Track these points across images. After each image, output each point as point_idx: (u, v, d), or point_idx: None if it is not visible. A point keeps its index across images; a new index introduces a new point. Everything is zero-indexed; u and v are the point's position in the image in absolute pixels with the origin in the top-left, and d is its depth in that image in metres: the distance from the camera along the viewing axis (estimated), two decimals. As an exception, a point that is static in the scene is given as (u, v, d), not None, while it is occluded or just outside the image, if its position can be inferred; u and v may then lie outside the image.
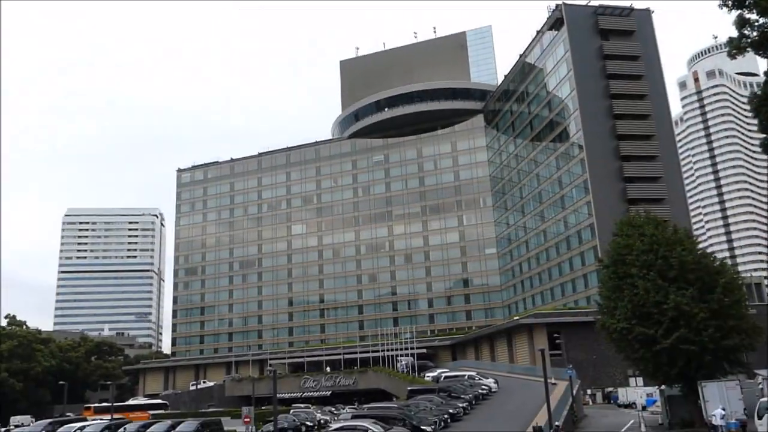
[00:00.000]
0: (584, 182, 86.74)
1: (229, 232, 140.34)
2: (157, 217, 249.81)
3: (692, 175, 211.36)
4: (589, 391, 66.83)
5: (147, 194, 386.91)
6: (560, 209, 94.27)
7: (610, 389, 67.71)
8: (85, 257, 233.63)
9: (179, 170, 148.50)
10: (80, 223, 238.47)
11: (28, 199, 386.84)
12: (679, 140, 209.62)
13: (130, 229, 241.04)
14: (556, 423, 26.26)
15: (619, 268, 38.65)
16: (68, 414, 73.76)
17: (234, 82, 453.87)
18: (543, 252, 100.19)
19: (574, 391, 47.09)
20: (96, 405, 76.38)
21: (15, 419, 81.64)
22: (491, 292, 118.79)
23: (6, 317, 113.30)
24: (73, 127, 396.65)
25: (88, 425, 53.02)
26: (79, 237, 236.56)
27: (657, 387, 44.55)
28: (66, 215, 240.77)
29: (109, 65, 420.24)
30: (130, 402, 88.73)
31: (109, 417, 58.06)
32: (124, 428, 48.49)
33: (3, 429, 67.58)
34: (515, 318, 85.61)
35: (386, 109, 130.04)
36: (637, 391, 57.78)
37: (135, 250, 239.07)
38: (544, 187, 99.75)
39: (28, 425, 65.07)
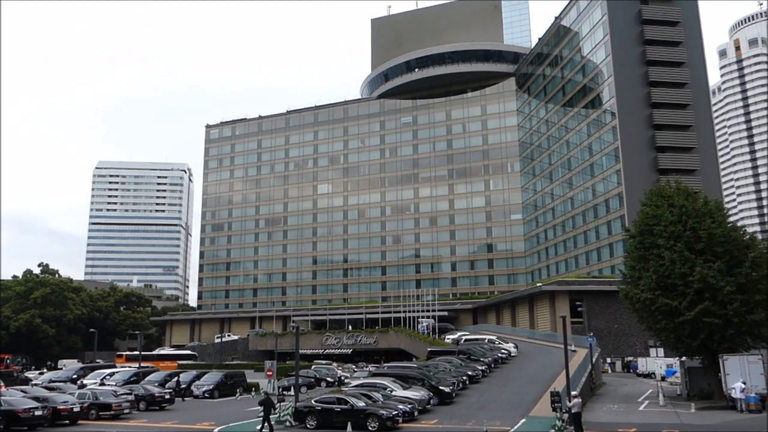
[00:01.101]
0: (615, 150, 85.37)
1: (255, 189, 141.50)
2: (186, 172, 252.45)
3: (727, 146, 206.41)
4: (608, 360, 67.03)
5: (176, 150, 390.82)
6: (589, 177, 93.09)
7: (630, 359, 67.81)
8: (115, 210, 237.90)
9: (208, 126, 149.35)
10: (110, 176, 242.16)
11: (59, 153, 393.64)
12: (716, 110, 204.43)
13: (158, 184, 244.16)
14: (569, 405, 26.43)
15: (646, 239, 38.27)
16: (98, 360, 76.33)
17: (265, 40, 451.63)
18: (569, 219, 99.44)
19: (594, 359, 47.28)
20: (128, 353, 78.74)
21: (63, 362, 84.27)
22: (515, 257, 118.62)
23: (39, 265, 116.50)
24: (105, 83, 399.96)
25: (117, 371, 54.95)
26: (110, 190, 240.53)
27: (677, 358, 44.48)
28: (97, 168, 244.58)
29: (140, 21, 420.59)
30: (161, 352, 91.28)
31: (137, 365, 59.93)
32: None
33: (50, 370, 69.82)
34: (538, 284, 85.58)
35: (416, 70, 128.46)
36: (657, 362, 57.78)
37: (163, 204, 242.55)
38: (573, 153, 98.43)
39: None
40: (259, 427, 27.42)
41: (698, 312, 34.55)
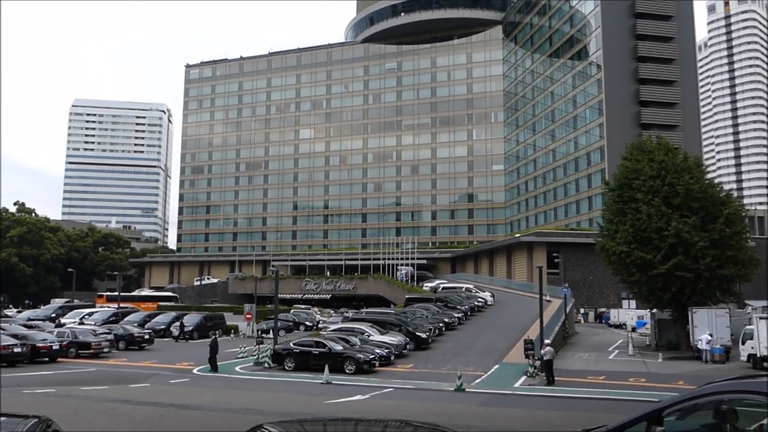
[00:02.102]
0: (599, 103, 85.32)
1: (236, 132, 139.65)
2: (165, 113, 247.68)
3: (710, 103, 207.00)
4: (582, 310, 68.66)
5: (154, 90, 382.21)
6: (572, 129, 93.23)
7: (603, 310, 69.51)
8: (93, 150, 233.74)
9: (188, 66, 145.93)
10: (87, 114, 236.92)
11: (34, 91, 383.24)
12: (701, 66, 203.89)
13: (137, 124, 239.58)
14: (542, 353, 27.18)
15: (625, 192, 38.72)
16: (76, 300, 76.38)
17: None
18: (550, 172, 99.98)
19: (568, 309, 48.41)
20: (108, 294, 78.75)
21: (56, 301, 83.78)
22: (495, 208, 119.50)
23: (15, 204, 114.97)
24: (82, 20, 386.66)
25: (96, 311, 55.12)
26: (87, 129, 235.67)
27: (648, 310, 45.71)
28: (73, 106, 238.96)
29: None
30: (142, 293, 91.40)
31: (117, 305, 60.09)
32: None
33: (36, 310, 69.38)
34: (516, 235, 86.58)
35: (402, 14, 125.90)
36: (628, 313, 59.32)
37: (142, 145, 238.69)
38: (557, 105, 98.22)
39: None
40: (209, 367, 28.89)
41: (671, 266, 35.32)
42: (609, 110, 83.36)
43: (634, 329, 54.00)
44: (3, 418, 4.69)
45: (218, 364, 29.24)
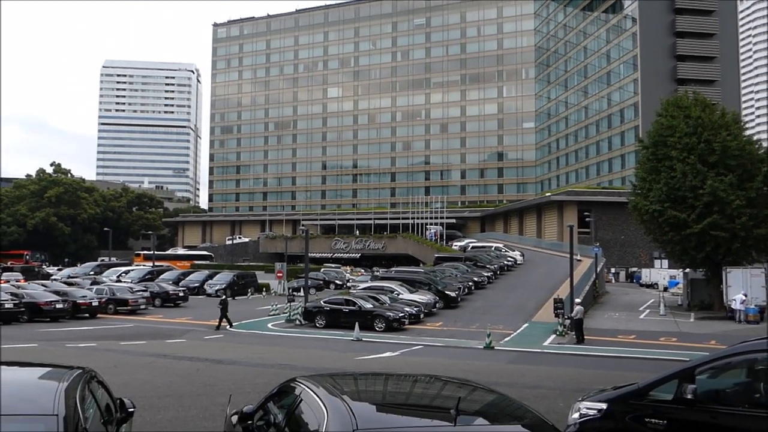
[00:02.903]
0: (633, 58, 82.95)
1: (264, 91, 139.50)
2: (194, 72, 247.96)
3: (750, 57, 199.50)
4: (612, 270, 68.17)
5: (182, 50, 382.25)
6: (605, 85, 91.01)
7: (634, 269, 68.92)
8: (124, 110, 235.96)
9: (215, 25, 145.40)
10: (118, 75, 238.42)
11: (65, 52, 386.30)
12: (741, 18, 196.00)
13: (167, 84, 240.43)
14: (569, 316, 27.16)
15: (659, 150, 37.87)
16: (113, 259, 78.34)
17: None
18: (582, 129, 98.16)
19: (598, 269, 48.08)
20: (146, 252, 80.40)
21: (102, 259, 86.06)
22: (525, 167, 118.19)
23: (51, 165, 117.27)
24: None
25: (132, 269, 56.53)
26: (117, 90, 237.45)
27: (681, 270, 45.16)
28: (104, 67, 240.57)
29: None
30: (178, 252, 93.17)
31: (152, 264, 61.50)
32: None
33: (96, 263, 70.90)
34: (547, 194, 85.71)
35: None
36: (660, 273, 58.73)
37: (172, 105, 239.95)
38: (590, 61, 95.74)
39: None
40: (216, 325, 28.86)
41: (706, 225, 34.69)
42: (644, 65, 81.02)
43: (665, 289, 53.54)
44: (49, 369, 4.89)
45: (247, 321, 29.87)
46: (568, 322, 28.11)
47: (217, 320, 29.13)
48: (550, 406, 11.35)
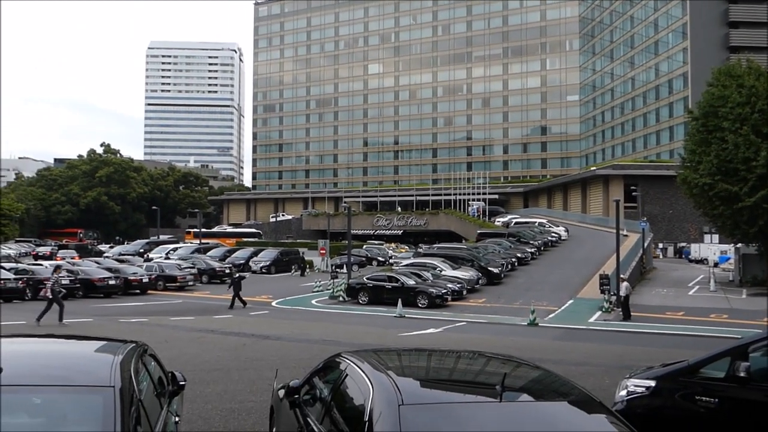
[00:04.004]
0: (683, 26, 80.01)
1: (305, 69, 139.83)
2: (236, 52, 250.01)
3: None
4: (660, 245, 66.66)
5: (225, 29, 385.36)
6: (652, 55, 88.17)
7: (683, 244, 67.23)
8: (169, 90, 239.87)
9: (256, 3, 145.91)
10: (162, 56, 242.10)
11: (112, 34, 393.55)
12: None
13: (210, 64, 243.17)
14: (615, 292, 26.72)
15: (710, 121, 36.62)
16: (164, 236, 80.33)
17: None
18: (629, 101, 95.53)
19: (645, 244, 47.09)
20: (196, 230, 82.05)
21: (161, 237, 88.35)
22: (569, 140, 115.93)
23: (101, 145, 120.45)
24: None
25: (180, 247, 57.92)
26: (163, 70, 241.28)
27: (732, 245, 43.87)
28: (149, 48, 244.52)
29: None
30: (227, 230, 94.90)
31: (199, 241, 62.86)
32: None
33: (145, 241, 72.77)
34: (592, 168, 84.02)
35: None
36: (710, 248, 57.14)
37: (215, 85, 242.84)
38: (637, 30, 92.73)
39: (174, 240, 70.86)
40: (229, 305, 27.61)
41: (759, 198, 33.52)
42: (694, 33, 78.06)
43: (716, 264, 52.10)
44: (105, 342, 5.07)
45: (291, 297, 30.07)
46: (614, 298, 27.70)
47: (231, 299, 27.90)
48: (596, 383, 11.25)
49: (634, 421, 4.34)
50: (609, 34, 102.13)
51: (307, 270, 47.97)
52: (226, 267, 42.75)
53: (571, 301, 30.47)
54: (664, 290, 36.54)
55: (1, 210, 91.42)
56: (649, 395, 6.89)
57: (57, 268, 23.76)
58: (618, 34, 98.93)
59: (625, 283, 26.56)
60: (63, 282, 30.03)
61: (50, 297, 20.37)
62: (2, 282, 28.20)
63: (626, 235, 49.79)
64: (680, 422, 6.69)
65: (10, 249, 63.27)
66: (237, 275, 30.33)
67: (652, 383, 6.91)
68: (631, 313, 25.77)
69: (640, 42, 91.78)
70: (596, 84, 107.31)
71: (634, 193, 66.15)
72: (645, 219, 55.20)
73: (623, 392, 7.14)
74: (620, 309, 26.20)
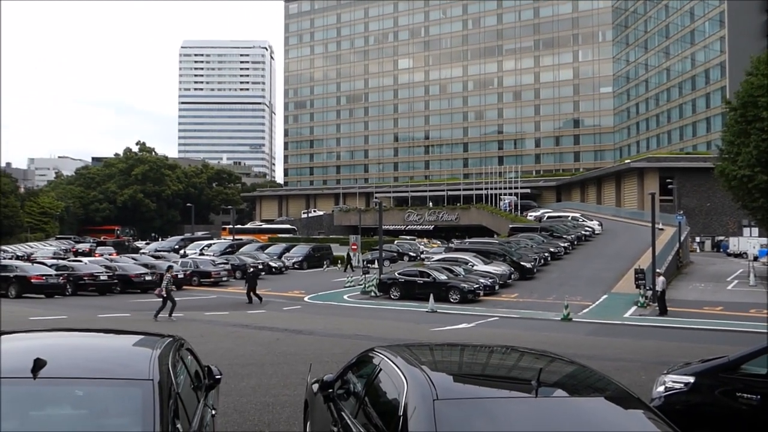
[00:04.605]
0: (720, 14, 78.06)
1: (336, 65, 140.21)
2: (267, 49, 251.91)
3: None
4: (697, 239, 65.31)
5: (255, 27, 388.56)
6: (688, 45, 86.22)
7: (721, 238, 65.76)
8: (202, 89, 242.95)
9: (287, 1, 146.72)
10: (195, 55, 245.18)
11: (145, 34, 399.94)
12: None
13: (241, 62, 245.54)
14: (650, 287, 26.21)
15: (749, 111, 35.67)
16: (199, 233, 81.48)
17: None
18: (664, 92, 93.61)
19: (682, 238, 46.19)
20: (231, 227, 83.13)
21: (197, 233, 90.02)
22: (603, 133, 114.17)
23: (137, 144, 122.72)
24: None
25: (214, 243, 58.69)
26: (195, 69, 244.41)
27: (773, 238, 42.78)
28: (182, 47, 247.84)
29: None
30: (262, 226, 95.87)
31: (233, 237, 63.59)
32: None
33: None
34: (626, 161, 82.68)
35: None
36: (750, 242, 55.79)
37: (247, 82, 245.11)
38: (672, 19, 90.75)
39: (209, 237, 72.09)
40: (247, 301, 27.47)
41: (801, 190, 32.65)
42: (731, 21, 76.08)
43: (755, 258, 50.85)
44: (142, 336, 5.17)
45: (323, 293, 30.23)
46: (649, 293, 27.23)
47: (246, 293, 27.84)
48: (633, 379, 11.08)
49: (673, 417, 4.26)
50: (643, 24, 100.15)
51: (351, 265, 46.82)
52: (258, 263, 43.17)
53: (605, 296, 30.07)
54: (701, 285, 35.80)
55: (42, 208, 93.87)
56: (688, 392, 6.76)
57: (169, 268, 25.02)
58: (652, 24, 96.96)
59: (661, 278, 26.11)
60: (102, 278, 30.78)
61: (164, 295, 21.76)
62: (45, 278, 28.96)
63: (662, 229, 48.90)
64: (720, 419, 6.56)
65: (51, 246, 65.02)
66: (251, 270, 30.25)
67: (691, 379, 6.79)
68: (668, 308, 25.32)
69: (676, 31, 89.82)
70: (630, 75, 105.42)
71: (669, 186, 65.00)
72: (681, 212, 54.15)
73: (661, 388, 7.03)
74: (656, 304, 25.77)
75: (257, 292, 27.88)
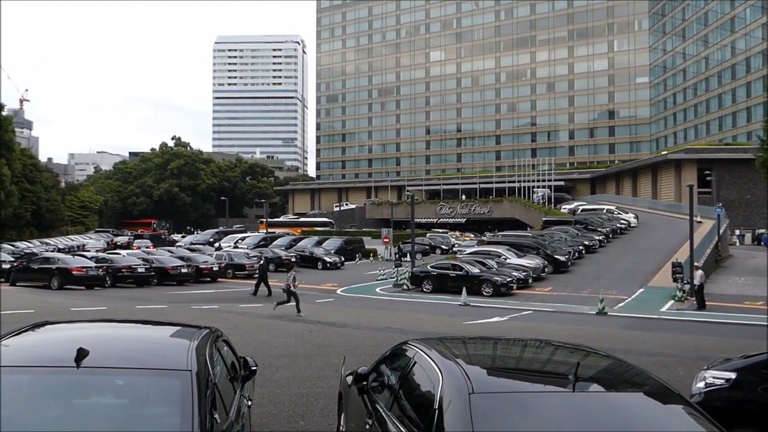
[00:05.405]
0: (761, 1, 75.75)
1: (367, 59, 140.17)
2: (299, 44, 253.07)
3: None
4: (737, 232, 63.70)
5: (288, 21, 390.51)
6: (728, 33, 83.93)
7: (762, 231, 64.00)
8: (236, 84, 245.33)
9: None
10: (229, 50, 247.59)
11: (181, 30, 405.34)
12: None
13: (274, 57, 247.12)
14: (688, 281, 25.64)
15: (793, 101, 34.68)
16: (236, 226, 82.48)
17: None
18: (702, 82, 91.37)
19: (721, 231, 45.12)
20: (268, 220, 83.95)
21: (237, 226, 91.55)
22: (639, 124, 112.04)
23: (172, 139, 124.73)
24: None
25: (248, 236, 59.35)
26: (229, 64, 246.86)
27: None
28: (216, 42, 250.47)
29: None
30: (299, 219, 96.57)
31: (266, 230, 64.25)
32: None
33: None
34: (663, 152, 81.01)
35: None
36: (793, 234, 54.22)
37: (280, 77, 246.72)
38: (711, 6, 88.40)
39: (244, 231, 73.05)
40: (252, 291, 27.65)
41: None
42: (776, 8, 73.92)
43: (799, 251, 49.39)
44: (180, 327, 5.26)
45: (356, 285, 30.29)
46: (687, 287, 26.70)
47: (254, 286, 28.02)
48: (671, 375, 10.89)
49: (713, 414, 4.17)
50: (681, 12, 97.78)
51: (371, 258, 47.12)
52: (291, 255, 43.45)
53: (641, 290, 29.58)
54: (741, 279, 34.95)
55: (81, 202, 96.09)
56: (729, 388, 6.62)
57: (293, 265, 27.23)
58: (690, 12, 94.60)
59: (699, 272, 25.58)
60: (139, 270, 31.46)
61: (287, 290, 22.23)
62: (85, 270, 29.67)
63: (700, 222, 47.87)
64: (763, 416, 6.41)
65: (90, 239, 66.54)
66: (262, 262, 30.33)
67: (733, 375, 6.65)
68: (706, 303, 24.79)
69: (715, 19, 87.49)
70: (667, 65, 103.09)
71: (708, 178, 63.47)
72: (720, 204, 52.88)
73: (701, 384, 6.89)
74: (694, 298, 25.25)
75: (269, 284, 27.65)
